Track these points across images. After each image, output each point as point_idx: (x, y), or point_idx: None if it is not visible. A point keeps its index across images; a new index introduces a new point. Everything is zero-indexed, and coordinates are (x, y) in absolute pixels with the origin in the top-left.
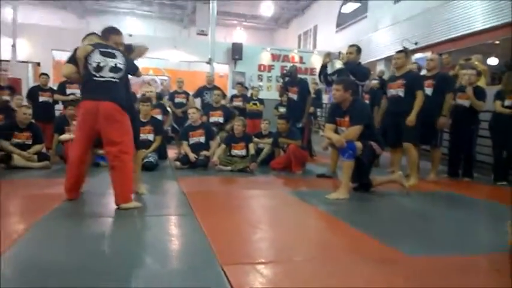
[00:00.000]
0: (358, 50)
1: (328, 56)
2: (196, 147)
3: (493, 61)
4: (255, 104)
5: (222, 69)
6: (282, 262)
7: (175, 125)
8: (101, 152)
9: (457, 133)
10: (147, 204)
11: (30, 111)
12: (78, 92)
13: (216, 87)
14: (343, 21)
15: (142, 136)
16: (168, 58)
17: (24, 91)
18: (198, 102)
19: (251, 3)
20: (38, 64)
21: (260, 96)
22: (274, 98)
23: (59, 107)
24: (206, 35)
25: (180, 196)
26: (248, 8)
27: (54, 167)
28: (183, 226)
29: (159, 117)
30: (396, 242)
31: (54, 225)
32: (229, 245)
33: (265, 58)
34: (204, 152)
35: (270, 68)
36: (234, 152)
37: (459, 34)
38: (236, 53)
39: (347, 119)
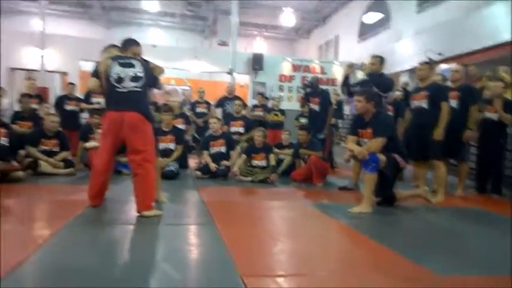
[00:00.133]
0: (382, 60)
1: (351, 67)
2: (216, 157)
3: None
4: (276, 115)
5: (242, 79)
6: (303, 276)
7: (196, 135)
8: (123, 160)
9: (485, 147)
10: (167, 212)
11: (57, 119)
12: (103, 101)
13: (237, 97)
14: (365, 31)
15: (164, 145)
16: (190, 68)
17: (52, 100)
18: (219, 112)
19: (272, 14)
20: (65, 74)
21: (281, 107)
22: (295, 109)
23: (84, 115)
24: (227, 45)
25: (200, 205)
26: (269, 18)
27: (78, 174)
28: (203, 235)
29: (182, 126)
30: (423, 260)
31: (78, 231)
32: (249, 256)
33: (286, 68)
34: (225, 162)
35: (291, 78)
36: (255, 162)
37: (485, 45)
38: (257, 63)
39: (369, 130)
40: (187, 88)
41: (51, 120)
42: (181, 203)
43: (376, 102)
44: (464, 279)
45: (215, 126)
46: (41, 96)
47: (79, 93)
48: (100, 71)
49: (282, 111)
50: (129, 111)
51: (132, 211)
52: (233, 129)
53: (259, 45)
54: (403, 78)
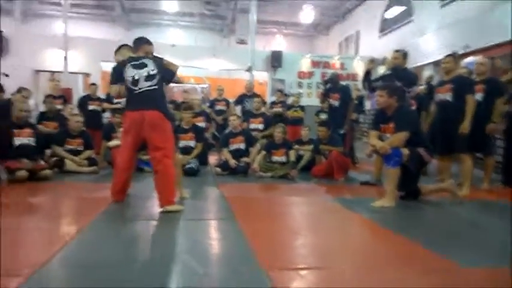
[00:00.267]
0: (405, 55)
1: (372, 62)
2: (236, 154)
3: None
4: (296, 111)
5: (261, 76)
6: (326, 269)
7: (215, 132)
8: (144, 157)
9: (511, 140)
10: (189, 208)
11: (81, 119)
12: (123, 100)
13: (255, 95)
14: (386, 26)
15: (184, 143)
16: (209, 67)
17: (75, 100)
18: (238, 109)
19: (291, 11)
20: (88, 75)
21: (300, 103)
22: (314, 105)
23: (106, 115)
24: (246, 43)
25: (221, 201)
26: (287, 15)
27: (102, 172)
28: (225, 230)
29: (202, 124)
30: (449, 252)
31: (103, 227)
32: (272, 250)
33: (305, 65)
34: (245, 159)
35: (310, 74)
36: (274, 158)
37: None
38: (275, 60)
39: (392, 125)
40: (205, 86)
41: (76, 120)
42: (202, 199)
43: (399, 96)
44: (492, 272)
45: (234, 123)
46: (65, 97)
47: (101, 94)
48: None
49: (302, 108)
50: (148, 110)
51: (154, 207)
52: (252, 126)
53: (278, 43)
54: (427, 72)
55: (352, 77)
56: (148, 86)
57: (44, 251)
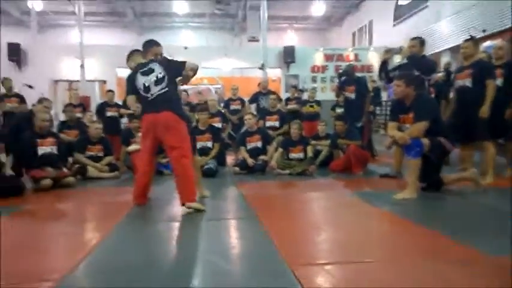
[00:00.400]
0: (422, 42)
1: (389, 52)
2: (253, 153)
3: None
4: (312, 106)
5: (274, 73)
6: (351, 263)
7: (231, 132)
8: (163, 160)
9: None
10: (209, 208)
11: (101, 126)
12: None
13: (270, 92)
14: (401, 13)
15: (201, 144)
16: (221, 66)
17: (93, 107)
18: (252, 107)
19: (301, 5)
20: (104, 82)
21: (316, 98)
22: (329, 99)
23: (124, 120)
24: (257, 40)
25: (241, 200)
26: (298, 10)
27: (122, 177)
28: (247, 228)
29: (219, 125)
30: (477, 242)
31: (128, 230)
32: (295, 247)
33: (319, 59)
34: (262, 157)
35: (324, 68)
36: (292, 155)
37: None
38: (288, 56)
39: (411, 115)
40: (219, 86)
41: (95, 127)
42: (222, 199)
43: (417, 85)
44: None
45: (250, 122)
46: (83, 105)
47: (118, 100)
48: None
49: (318, 102)
50: (161, 112)
51: (176, 208)
52: (269, 123)
53: (290, 38)
54: (445, 59)
55: (367, 68)
56: (160, 90)
57: (72, 255)
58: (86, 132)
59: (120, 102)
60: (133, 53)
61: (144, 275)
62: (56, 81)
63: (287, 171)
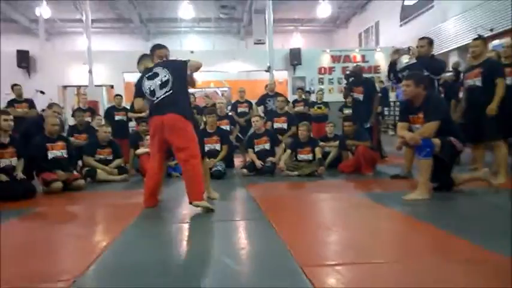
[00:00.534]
0: (430, 42)
1: (397, 52)
2: (261, 155)
3: None
4: (320, 107)
5: (281, 75)
6: (363, 264)
7: (239, 134)
8: (172, 163)
9: None
10: (219, 210)
11: (109, 129)
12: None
13: (278, 94)
14: (407, 14)
15: (210, 146)
16: (228, 70)
17: (101, 112)
18: (260, 110)
19: (306, 7)
20: (112, 87)
21: (323, 99)
22: (337, 101)
23: (132, 124)
24: (263, 43)
25: (251, 202)
26: (304, 12)
27: (131, 180)
28: (258, 229)
29: (227, 127)
30: (489, 242)
31: (139, 232)
32: (306, 247)
33: (325, 60)
34: (270, 158)
35: (331, 70)
36: (301, 156)
37: None
38: (295, 58)
39: (421, 115)
40: (226, 89)
41: (104, 130)
42: (232, 200)
43: (426, 85)
44: None
45: (258, 124)
46: (92, 109)
47: (125, 104)
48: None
49: (326, 104)
50: (166, 114)
51: (186, 210)
52: (277, 125)
53: (296, 40)
54: (453, 58)
55: (375, 69)
56: (165, 93)
57: (83, 257)
58: (95, 136)
59: (128, 106)
60: (143, 57)
61: (156, 276)
62: (65, 87)
63: (296, 173)
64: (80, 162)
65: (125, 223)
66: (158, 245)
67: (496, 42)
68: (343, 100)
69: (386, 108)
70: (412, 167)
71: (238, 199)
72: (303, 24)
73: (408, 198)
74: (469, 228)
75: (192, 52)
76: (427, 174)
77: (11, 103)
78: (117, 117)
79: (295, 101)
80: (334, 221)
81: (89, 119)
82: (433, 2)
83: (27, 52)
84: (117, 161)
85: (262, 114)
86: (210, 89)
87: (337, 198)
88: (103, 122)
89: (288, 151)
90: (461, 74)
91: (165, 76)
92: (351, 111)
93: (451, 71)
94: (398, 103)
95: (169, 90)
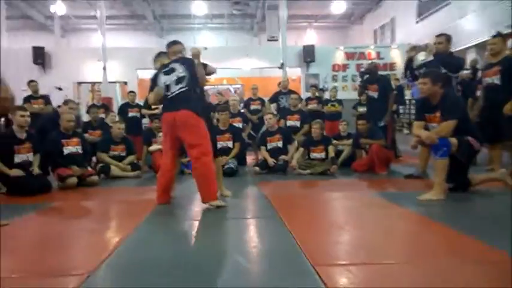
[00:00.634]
0: (448, 39)
1: (414, 49)
2: (274, 152)
3: None
4: (333, 105)
5: (294, 72)
6: (375, 264)
7: (251, 132)
8: (184, 160)
9: None
10: (231, 207)
11: (123, 126)
12: (161, 106)
13: (291, 91)
14: (424, 10)
15: (222, 143)
16: (241, 67)
17: (114, 108)
18: (273, 107)
19: (320, 3)
20: (125, 83)
21: (337, 97)
22: (351, 98)
23: (145, 120)
24: (277, 40)
25: (263, 200)
26: (318, 8)
27: (144, 176)
28: (270, 228)
29: (240, 125)
30: (505, 243)
31: (152, 228)
32: (318, 247)
33: (339, 57)
34: (283, 157)
35: (345, 67)
36: (313, 155)
37: None
38: (308, 55)
39: (438, 114)
40: (238, 86)
41: (118, 127)
42: (244, 198)
43: (443, 83)
44: None
45: (271, 121)
46: (106, 105)
47: (139, 100)
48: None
49: (340, 102)
50: (179, 111)
51: (198, 207)
52: (290, 123)
53: (310, 37)
54: (470, 56)
55: (390, 66)
56: (179, 89)
57: (97, 252)
58: (109, 132)
59: (142, 103)
60: (159, 55)
61: (168, 272)
62: (79, 83)
63: (308, 171)
64: (94, 159)
65: (138, 219)
66: (171, 241)
67: None
68: (357, 98)
69: (401, 107)
70: (427, 166)
71: (250, 197)
72: (316, 21)
73: (423, 198)
74: (484, 229)
75: (205, 48)
76: (443, 175)
77: (27, 99)
78: (130, 114)
79: (308, 99)
80: (347, 220)
81: (103, 115)
82: None
83: (42, 48)
84: (130, 158)
85: (275, 112)
86: (223, 86)
87: (349, 197)
88: (117, 118)
89: (301, 149)
90: (479, 72)
91: (182, 72)
92: (365, 109)
93: (468, 69)
94: (413, 101)
95: (185, 87)
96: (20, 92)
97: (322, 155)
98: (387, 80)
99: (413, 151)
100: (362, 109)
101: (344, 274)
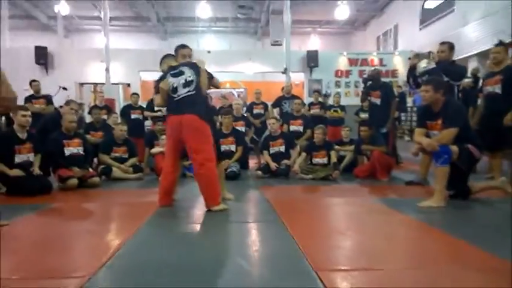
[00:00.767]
0: (451, 47)
1: (417, 57)
2: (276, 157)
3: None
4: (336, 111)
5: (297, 77)
6: (376, 270)
7: (254, 136)
8: (187, 163)
9: None
10: (234, 211)
11: (125, 127)
12: (164, 108)
13: (294, 96)
14: (427, 17)
15: (225, 147)
16: (244, 70)
17: (117, 110)
18: (275, 112)
19: (324, 9)
20: (128, 85)
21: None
22: (353, 104)
23: (148, 123)
24: (280, 45)
25: (265, 204)
26: (322, 14)
27: (146, 178)
28: (272, 232)
29: (243, 129)
30: (505, 251)
31: (153, 231)
32: (320, 251)
33: (342, 63)
34: (285, 161)
35: (348, 73)
36: (315, 160)
37: None
38: (311, 60)
39: (439, 121)
40: (242, 90)
41: (120, 129)
42: (246, 202)
43: (445, 91)
44: None
45: (274, 126)
46: (108, 107)
47: (141, 102)
48: (162, 88)
49: (342, 107)
50: (185, 114)
51: (200, 210)
52: (293, 128)
53: (314, 42)
54: (472, 64)
55: (392, 73)
56: (187, 92)
57: (98, 254)
58: (111, 134)
59: (144, 105)
60: (166, 57)
61: (170, 275)
62: (82, 84)
63: (310, 176)
64: (95, 160)
65: (139, 222)
66: (172, 244)
67: None
68: (360, 104)
69: (403, 114)
70: (428, 173)
71: (252, 201)
72: (320, 26)
73: (423, 205)
74: (484, 237)
75: (208, 52)
76: (444, 182)
77: (28, 99)
78: (133, 116)
79: (311, 104)
80: (348, 226)
81: (105, 116)
82: (453, 6)
83: (45, 48)
84: (132, 160)
85: (278, 117)
86: (226, 89)
87: (351, 203)
88: (119, 120)
89: (303, 154)
90: (480, 80)
91: (190, 76)
92: (367, 115)
93: (469, 77)
94: (415, 108)
95: (193, 91)
96: (21, 92)
97: (324, 160)
98: (390, 86)
99: (414, 158)
100: (364, 115)
101: (345, 279)
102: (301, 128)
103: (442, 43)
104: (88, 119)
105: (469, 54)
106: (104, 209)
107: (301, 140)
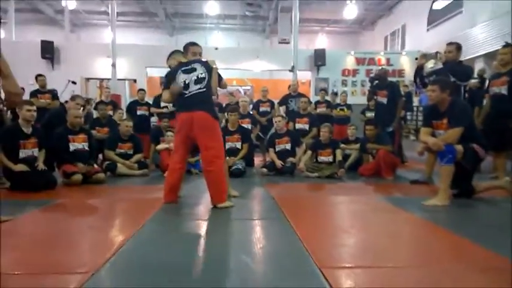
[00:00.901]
0: (458, 47)
1: (424, 57)
2: (282, 155)
3: None
4: (342, 110)
5: (304, 75)
6: (381, 267)
7: (260, 133)
8: (192, 160)
9: None
10: (239, 208)
11: (131, 124)
12: (170, 104)
13: (301, 95)
14: (435, 18)
15: (231, 144)
16: (251, 68)
17: (123, 106)
18: (282, 110)
19: (333, 8)
20: (134, 81)
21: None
22: (359, 103)
23: (153, 119)
24: (288, 43)
25: (270, 201)
26: (330, 13)
27: (151, 175)
28: (276, 229)
29: (248, 126)
30: (508, 250)
31: (158, 227)
32: (324, 249)
33: (350, 62)
34: (291, 159)
35: (355, 72)
36: (321, 158)
37: None
38: (319, 59)
39: (445, 121)
40: (248, 88)
41: (126, 125)
42: (251, 199)
43: (452, 91)
44: None
45: (280, 124)
46: (114, 102)
47: (148, 98)
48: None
49: (349, 106)
50: (197, 111)
51: (205, 207)
52: (299, 126)
53: (321, 41)
54: (479, 65)
55: (399, 73)
56: (198, 89)
57: (102, 250)
58: (116, 129)
59: (151, 101)
60: (174, 52)
61: (173, 272)
62: (88, 79)
63: (315, 174)
64: (100, 156)
65: (144, 218)
66: (176, 241)
67: None
68: (366, 103)
69: (409, 113)
70: (433, 172)
71: (258, 198)
72: (328, 25)
73: (428, 203)
74: (488, 236)
75: (216, 49)
76: (448, 181)
77: (34, 93)
78: (139, 112)
79: (317, 102)
80: (353, 224)
81: (110, 112)
82: (462, 8)
83: (51, 43)
84: (137, 156)
85: (284, 115)
86: (233, 87)
87: (356, 201)
88: (124, 116)
89: (309, 152)
90: (487, 81)
91: (202, 74)
92: (373, 114)
93: (476, 78)
94: (421, 108)
95: (204, 88)
96: (28, 86)
97: (330, 158)
98: (396, 86)
99: (419, 157)
100: (370, 114)
101: (350, 277)
102: (307, 126)
103: (450, 43)
104: (94, 114)
105: (476, 55)
106: (109, 205)
107: (307, 138)
